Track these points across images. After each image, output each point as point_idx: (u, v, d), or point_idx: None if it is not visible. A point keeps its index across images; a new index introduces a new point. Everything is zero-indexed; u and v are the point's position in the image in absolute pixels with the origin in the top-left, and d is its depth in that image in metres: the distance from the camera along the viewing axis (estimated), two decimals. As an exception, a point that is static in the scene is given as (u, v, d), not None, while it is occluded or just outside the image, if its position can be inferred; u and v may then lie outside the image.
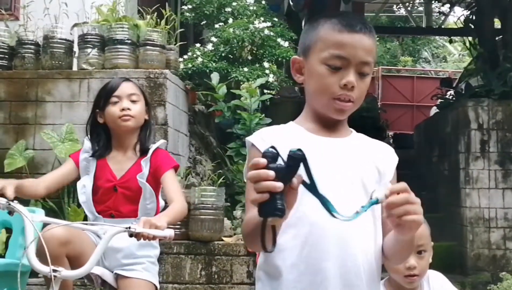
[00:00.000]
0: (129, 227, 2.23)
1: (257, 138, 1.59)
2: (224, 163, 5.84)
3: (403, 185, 1.38)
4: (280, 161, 1.23)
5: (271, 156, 1.21)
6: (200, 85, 6.23)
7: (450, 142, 6.83)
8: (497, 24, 8.14)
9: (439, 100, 8.11)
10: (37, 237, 2.25)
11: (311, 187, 1.32)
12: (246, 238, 1.52)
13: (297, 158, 1.23)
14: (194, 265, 4.69)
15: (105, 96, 2.82)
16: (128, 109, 2.77)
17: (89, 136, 2.90)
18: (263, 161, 1.22)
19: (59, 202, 4.97)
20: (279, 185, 1.18)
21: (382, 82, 14.78)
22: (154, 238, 2.28)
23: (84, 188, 2.81)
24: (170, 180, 2.73)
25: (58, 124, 5.28)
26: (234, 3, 6.66)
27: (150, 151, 2.81)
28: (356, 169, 1.58)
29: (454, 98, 7.66)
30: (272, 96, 6.21)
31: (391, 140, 11.07)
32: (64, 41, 5.51)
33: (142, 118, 2.86)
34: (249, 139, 1.61)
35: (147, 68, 5.37)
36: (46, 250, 2.09)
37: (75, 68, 5.59)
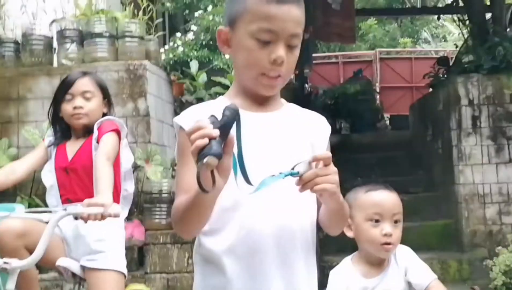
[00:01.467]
0: (65, 209, 2.22)
1: (185, 119, 1.52)
2: (211, 152, 5.79)
3: (324, 155, 1.37)
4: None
5: (212, 120, 1.29)
6: (186, 76, 6.19)
7: (442, 119, 6.75)
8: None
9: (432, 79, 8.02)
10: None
11: (238, 156, 1.32)
12: (179, 220, 1.43)
13: (233, 109, 1.30)
14: (181, 254, 4.68)
15: (61, 92, 2.89)
16: (81, 107, 2.82)
17: (51, 126, 2.97)
18: (204, 120, 1.28)
19: (45, 200, 4.96)
20: (216, 131, 1.25)
21: (380, 65, 14.65)
22: (103, 217, 2.26)
23: (50, 173, 2.86)
24: (102, 143, 2.72)
25: (41, 121, 5.26)
26: (213, -10, 6.62)
27: (95, 127, 2.82)
28: (289, 146, 1.53)
29: (445, 76, 7.58)
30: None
31: (388, 122, 11.02)
32: (43, 37, 5.51)
33: (97, 114, 2.88)
34: (176, 120, 1.54)
35: (127, 60, 5.36)
36: None
37: (55, 64, 5.58)
